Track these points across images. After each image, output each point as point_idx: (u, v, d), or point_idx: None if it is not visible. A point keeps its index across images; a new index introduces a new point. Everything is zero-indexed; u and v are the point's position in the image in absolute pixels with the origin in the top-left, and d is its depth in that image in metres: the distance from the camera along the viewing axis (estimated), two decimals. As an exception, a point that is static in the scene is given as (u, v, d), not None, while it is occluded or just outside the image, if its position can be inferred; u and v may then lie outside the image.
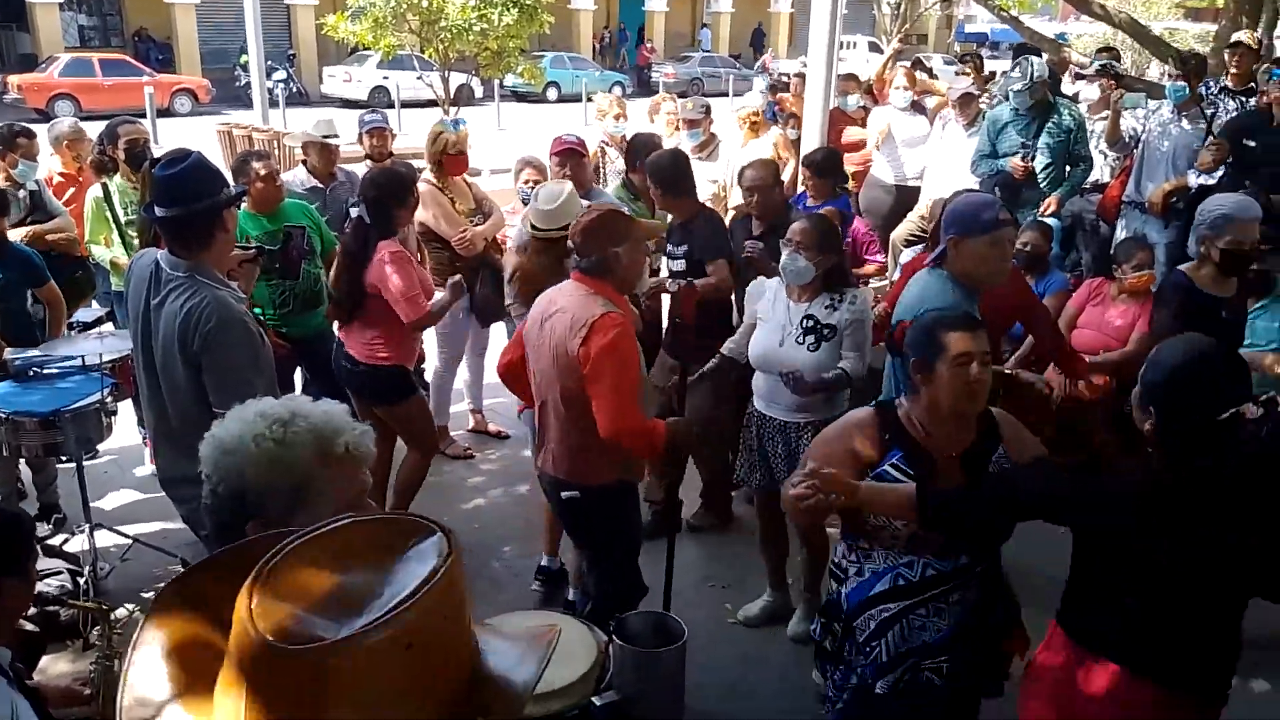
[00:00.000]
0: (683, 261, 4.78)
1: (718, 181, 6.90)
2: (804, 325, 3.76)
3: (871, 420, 2.63)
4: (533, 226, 4.25)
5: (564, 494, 3.36)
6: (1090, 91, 7.27)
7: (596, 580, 3.50)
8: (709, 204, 6.50)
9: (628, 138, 7.54)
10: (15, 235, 5.16)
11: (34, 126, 6.33)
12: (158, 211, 2.98)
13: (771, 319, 3.96)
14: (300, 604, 0.98)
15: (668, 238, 4.94)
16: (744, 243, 4.84)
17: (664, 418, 3.46)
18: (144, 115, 16.65)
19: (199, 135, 14.25)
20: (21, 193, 5.62)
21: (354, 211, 4.78)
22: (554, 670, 2.04)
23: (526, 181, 5.51)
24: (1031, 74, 6.30)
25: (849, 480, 2.42)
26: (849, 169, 8.16)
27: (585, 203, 4.38)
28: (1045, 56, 7.96)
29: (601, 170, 7.56)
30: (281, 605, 0.98)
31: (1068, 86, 7.65)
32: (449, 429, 6.04)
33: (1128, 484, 2.26)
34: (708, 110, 7.29)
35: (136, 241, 4.92)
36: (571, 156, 5.24)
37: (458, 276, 4.82)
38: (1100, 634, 2.27)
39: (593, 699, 1.96)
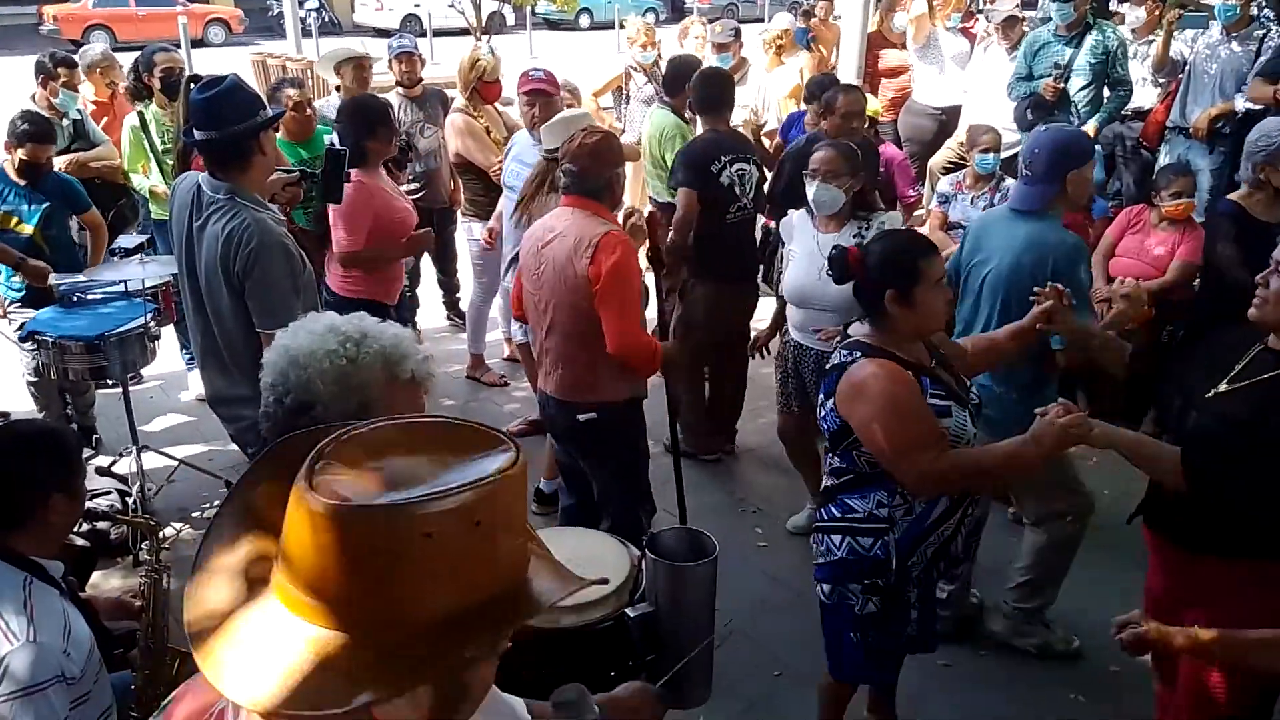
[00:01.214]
0: (745, 167, 4.74)
1: (748, 106, 6.81)
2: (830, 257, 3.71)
3: (897, 367, 2.55)
4: (545, 149, 4.21)
5: (580, 416, 3.39)
6: (1136, 13, 7.07)
7: (617, 498, 3.56)
8: (741, 130, 6.46)
9: (658, 64, 7.49)
10: (58, 163, 5.21)
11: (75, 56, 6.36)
12: (196, 135, 3.02)
13: (801, 252, 3.95)
14: (360, 479, 1.01)
15: (728, 149, 4.79)
16: None
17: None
18: (178, 45, 16.64)
19: (233, 65, 14.21)
20: (65, 122, 5.67)
21: (327, 140, 4.72)
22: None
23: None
24: None
25: (1102, 429, 2.44)
26: (887, 95, 8.03)
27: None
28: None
29: (626, 95, 7.52)
30: (340, 479, 1.00)
31: (1128, 12, 7.43)
32: (484, 357, 6.10)
33: None
34: (737, 34, 7.19)
35: (174, 169, 4.98)
36: (540, 96, 4.89)
37: (423, 230, 4.67)
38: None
39: (626, 610, 2.01)
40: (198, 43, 20.94)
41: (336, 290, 4.52)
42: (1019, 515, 4.02)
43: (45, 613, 2.21)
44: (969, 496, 2.67)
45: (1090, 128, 6.26)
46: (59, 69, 5.70)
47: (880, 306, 2.57)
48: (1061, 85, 6.20)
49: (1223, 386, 2.37)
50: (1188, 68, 6.45)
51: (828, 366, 2.73)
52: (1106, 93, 6.36)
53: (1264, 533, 2.27)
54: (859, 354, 2.59)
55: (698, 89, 4.96)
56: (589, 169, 3.31)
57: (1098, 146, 6.33)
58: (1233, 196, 4.13)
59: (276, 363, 1.64)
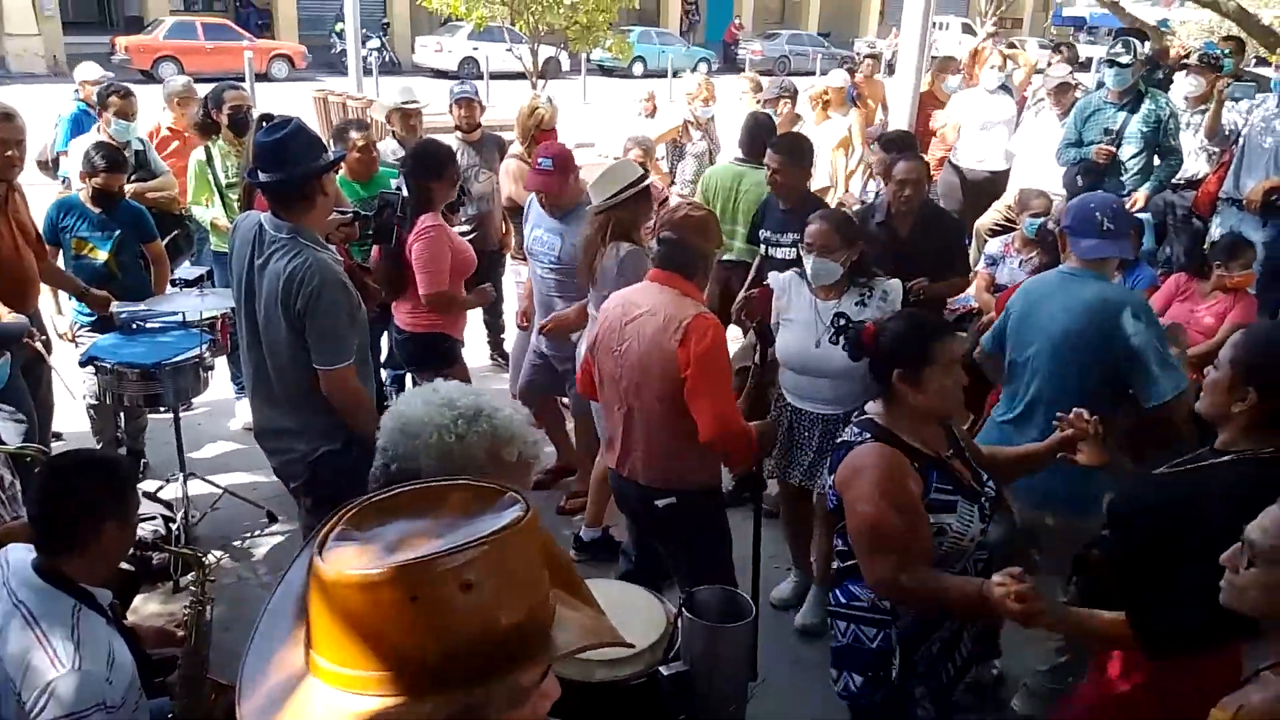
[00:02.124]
0: (791, 250, 4.64)
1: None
2: (836, 324, 3.56)
3: (899, 458, 2.48)
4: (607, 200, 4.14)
5: (659, 502, 3.25)
6: (1187, 84, 7.06)
7: (695, 581, 3.43)
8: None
9: (714, 120, 7.61)
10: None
11: (142, 86, 6.56)
12: (260, 176, 3.11)
13: (799, 318, 3.84)
14: (363, 548, 1.06)
15: (770, 226, 4.83)
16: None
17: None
18: (242, 79, 17.10)
19: (295, 100, 14.57)
20: (126, 152, 5.85)
21: (394, 183, 4.87)
22: (624, 634, 2.12)
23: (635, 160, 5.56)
24: (1135, 50, 6.16)
25: (1060, 605, 2.35)
26: (936, 154, 8.07)
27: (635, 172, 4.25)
28: (1149, 44, 7.76)
29: (680, 149, 7.62)
30: (345, 549, 1.06)
31: (1180, 81, 7.43)
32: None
33: (1241, 476, 2.17)
34: (791, 92, 7.24)
35: (237, 203, 5.13)
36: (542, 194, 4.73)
37: (487, 285, 4.87)
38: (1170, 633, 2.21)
39: (660, 667, 2.02)
40: (262, 76, 21.48)
41: (406, 327, 4.64)
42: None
43: (91, 640, 2.26)
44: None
45: (1141, 195, 6.25)
46: (110, 99, 5.81)
47: (890, 386, 2.53)
48: (1114, 150, 6.20)
49: (1164, 469, 2.38)
50: (1242, 139, 6.43)
51: (838, 442, 2.67)
52: (1156, 161, 6.34)
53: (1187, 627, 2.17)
54: (868, 435, 2.53)
55: (783, 147, 4.89)
56: (688, 242, 3.25)
57: (1148, 214, 6.31)
58: None
59: (390, 428, 1.68)
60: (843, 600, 2.63)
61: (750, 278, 4.62)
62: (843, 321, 3.53)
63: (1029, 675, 3.70)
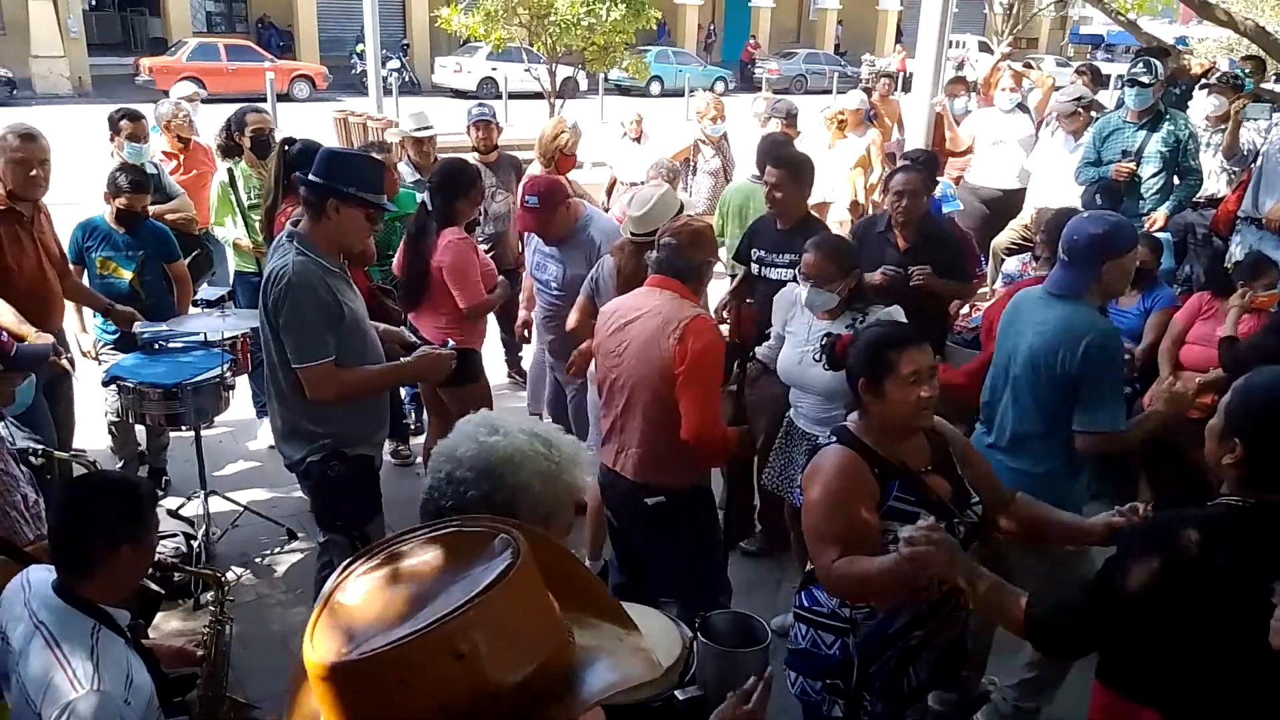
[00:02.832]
0: (788, 270, 4.58)
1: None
2: (822, 343, 3.54)
3: (855, 460, 2.50)
4: (631, 232, 4.24)
5: (649, 500, 3.33)
6: (1208, 104, 7.04)
7: (689, 585, 3.50)
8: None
9: (726, 137, 7.65)
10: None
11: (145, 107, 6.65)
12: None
13: (796, 334, 3.89)
14: (355, 621, 1.05)
15: (765, 245, 4.78)
16: (885, 268, 4.64)
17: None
18: (264, 99, 17.27)
19: (316, 121, 14.73)
20: None
21: (419, 197, 4.94)
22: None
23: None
24: (1157, 71, 6.17)
25: (966, 558, 2.30)
26: (952, 174, 8.08)
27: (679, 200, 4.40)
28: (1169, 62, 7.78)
29: (693, 167, 7.67)
30: (338, 624, 1.05)
31: (1200, 100, 7.42)
32: (543, 417, 6.17)
33: (1207, 519, 2.09)
34: (784, 114, 7.23)
35: (262, 226, 5.19)
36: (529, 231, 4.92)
37: (503, 279, 4.95)
38: (1146, 685, 2.14)
39: (675, 692, 2.02)
40: (283, 97, 21.73)
41: (434, 340, 4.65)
42: None
43: (110, 662, 2.26)
44: (936, 614, 2.56)
45: (1160, 216, 6.24)
46: (121, 123, 5.89)
47: (858, 395, 2.56)
48: (1133, 168, 6.19)
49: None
50: (1260, 158, 6.41)
51: (815, 445, 2.72)
52: (1175, 181, 6.33)
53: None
54: (835, 439, 2.59)
55: (786, 161, 4.82)
56: (686, 248, 3.31)
57: (1168, 234, 6.29)
58: None
59: (478, 459, 1.62)
60: (805, 604, 2.66)
61: (730, 290, 4.64)
62: (826, 339, 3.56)
63: (998, 691, 3.67)
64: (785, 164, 4.63)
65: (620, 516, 3.65)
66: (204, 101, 7.66)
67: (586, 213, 4.91)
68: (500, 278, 4.90)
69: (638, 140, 8.51)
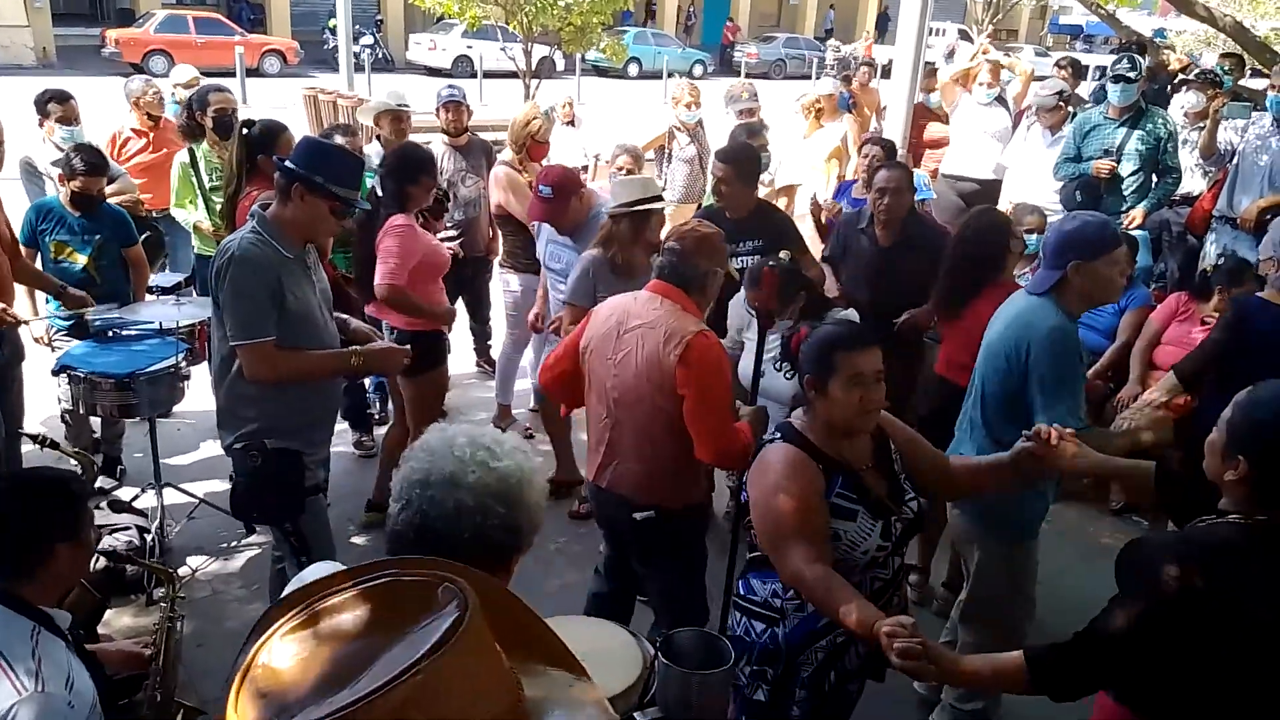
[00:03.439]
0: (755, 257, 4.60)
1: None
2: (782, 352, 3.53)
3: (802, 456, 2.48)
4: (610, 210, 4.22)
5: (637, 515, 3.20)
6: (1186, 100, 7.01)
7: (667, 602, 3.43)
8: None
9: (701, 124, 7.55)
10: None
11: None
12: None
13: (751, 342, 3.80)
14: (285, 688, 0.96)
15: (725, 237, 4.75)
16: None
17: None
18: (234, 74, 16.98)
19: (286, 97, 14.49)
20: None
21: (369, 182, 4.82)
22: (598, 681, 2.04)
23: (620, 168, 5.49)
24: (1140, 67, 6.13)
25: (946, 654, 2.23)
26: (930, 166, 8.03)
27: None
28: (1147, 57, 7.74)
29: (668, 155, 7.56)
30: (265, 692, 0.96)
31: (1179, 96, 7.39)
32: (511, 408, 6.08)
33: (1215, 545, 2.03)
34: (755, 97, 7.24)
35: (224, 210, 5.04)
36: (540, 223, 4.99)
37: (451, 308, 4.91)
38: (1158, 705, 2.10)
39: (635, 714, 1.95)
40: (253, 72, 21.41)
41: (402, 326, 4.58)
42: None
43: (51, 663, 2.21)
44: (881, 596, 2.57)
45: (1138, 214, 6.21)
46: (49, 105, 5.68)
47: (805, 391, 2.54)
48: (1114, 166, 6.15)
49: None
50: (1236, 157, 6.39)
51: (760, 442, 2.68)
52: (1155, 179, 6.29)
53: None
54: (779, 436, 2.56)
55: (732, 159, 4.82)
56: (692, 256, 3.19)
57: (1144, 232, 6.26)
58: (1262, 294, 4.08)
59: (495, 489, 1.57)
60: (742, 591, 2.67)
61: None
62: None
63: (948, 693, 3.63)
64: (727, 160, 4.66)
65: (610, 527, 3.55)
66: (169, 75, 7.43)
67: (599, 201, 4.86)
68: (451, 307, 4.87)
69: (571, 124, 8.41)
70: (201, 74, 7.24)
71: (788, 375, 2.83)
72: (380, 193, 4.55)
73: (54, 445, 3.22)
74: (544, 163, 5.82)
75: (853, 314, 3.81)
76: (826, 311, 3.77)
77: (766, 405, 3.70)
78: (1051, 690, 2.10)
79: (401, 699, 0.90)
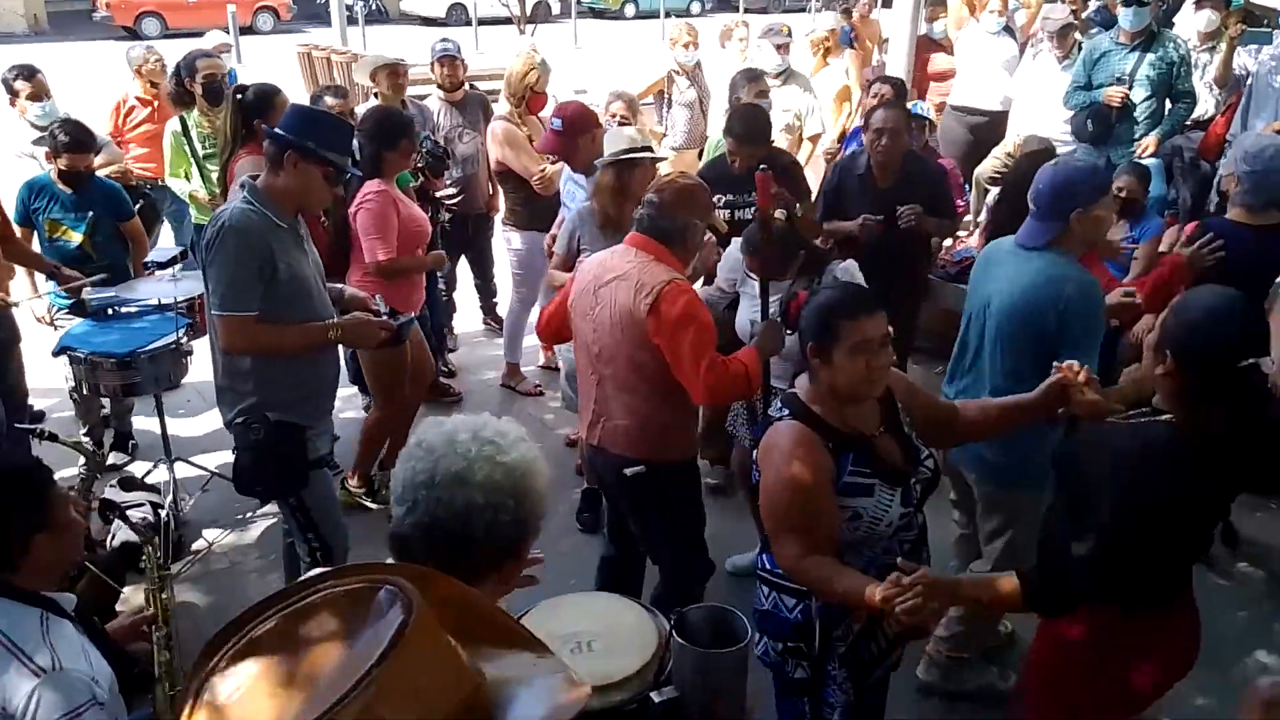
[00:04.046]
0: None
1: (792, 110, 6.64)
2: (780, 307, 3.52)
3: (810, 439, 2.40)
4: (614, 156, 4.13)
5: (628, 471, 3.18)
6: (1199, 19, 6.81)
7: (669, 559, 3.42)
8: (783, 134, 6.32)
9: (700, 66, 7.36)
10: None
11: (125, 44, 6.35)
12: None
13: (747, 295, 3.75)
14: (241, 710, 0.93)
15: (729, 190, 4.60)
16: (864, 219, 4.58)
17: None
18: (226, 30, 16.76)
19: (280, 54, 14.28)
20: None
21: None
22: (613, 660, 2.02)
23: (614, 115, 5.36)
24: None
25: (944, 583, 2.28)
26: (934, 100, 7.85)
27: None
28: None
29: (668, 99, 7.39)
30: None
31: (1190, 16, 7.17)
32: (520, 366, 6.05)
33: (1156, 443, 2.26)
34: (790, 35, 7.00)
35: (216, 175, 4.97)
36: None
37: (440, 252, 4.82)
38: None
39: (651, 694, 1.92)
40: (246, 29, 21.10)
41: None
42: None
43: (65, 644, 2.22)
44: (913, 555, 2.51)
45: (1151, 141, 6.06)
46: (17, 83, 5.55)
47: (807, 359, 2.46)
48: (1126, 94, 6.00)
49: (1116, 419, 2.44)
50: (1251, 79, 6.21)
51: (762, 418, 2.60)
52: (1168, 105, 6.13)
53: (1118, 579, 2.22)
54: (787, 412, 2.47)
55: (739, 123, 4.72)
56: (670, 207, 3.13)
57: (1157, 159, 6.13)
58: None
59: (502, 483, 1.54)
60: (768, 565, 2.59)
61: None
62: (781, 302, 3.48)
63: (932, 644, 3.63)
64: (733, 134, 4.52)
65: (604, 486, 3.56)
66: (165, 36, 7.31)
67: None
68: (439, 251, 4.75)
69: (625, 123, 8.20)
70: (195, 34, 7.11)
71: (787, 333, 2.74)
72: (357, 156, 4.45)
73: (52, 437, 3.17)
74: (542, 114, 5.72)
75: (852, 266, 3.71)
76: (825, 266, 3.69)
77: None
78: (1044, 609, 2.29)
79: (356, 713, 0.89)
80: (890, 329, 2.42)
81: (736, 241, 3.96)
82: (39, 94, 5.51)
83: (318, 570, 1.47)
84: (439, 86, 6.05)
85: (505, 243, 5.78)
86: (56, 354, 4.31)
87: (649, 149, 4.21)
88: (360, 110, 5.70)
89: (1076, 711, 2.48)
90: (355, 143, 4.49)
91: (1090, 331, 3.05)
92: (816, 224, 4.70)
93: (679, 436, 3.28)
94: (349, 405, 5.60)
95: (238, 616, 1.06)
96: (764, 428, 2.51)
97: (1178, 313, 2.25)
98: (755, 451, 2.54)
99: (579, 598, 2.39)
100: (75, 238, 4.73)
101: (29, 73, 5.57)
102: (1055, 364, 2.64)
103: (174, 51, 6.46)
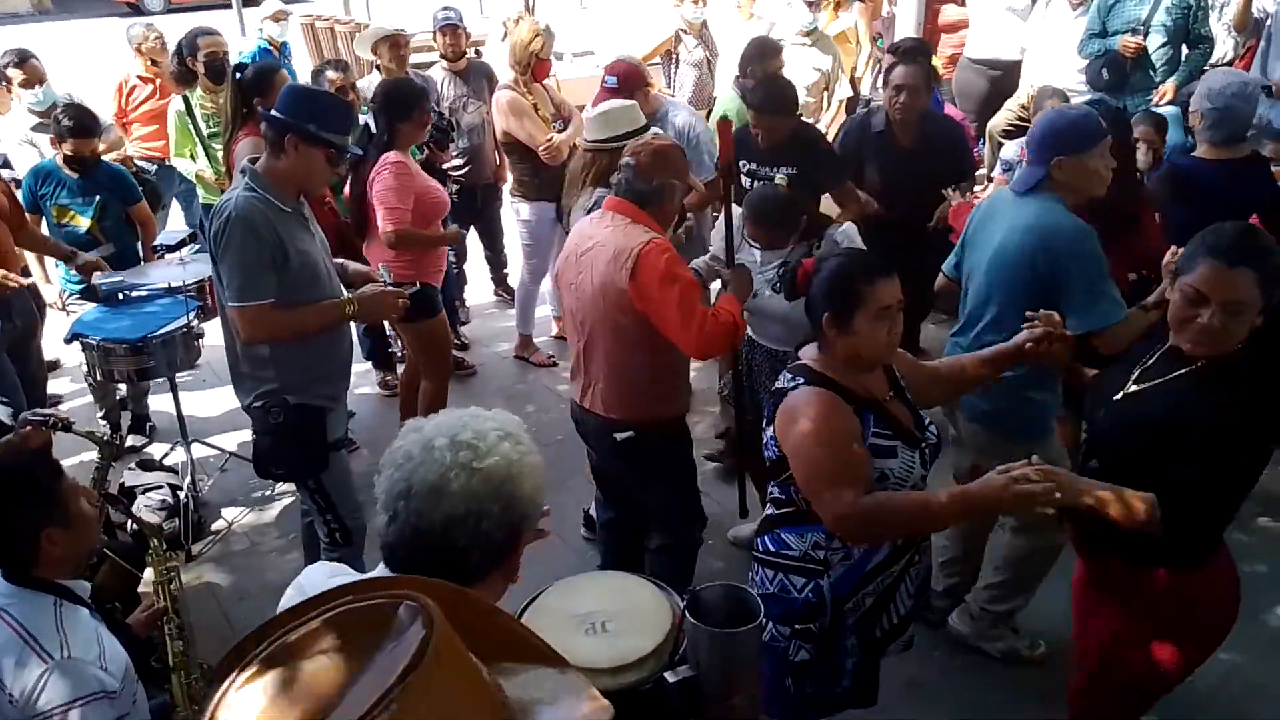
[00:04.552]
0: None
1: (822, 70, 6.54)
2: (780, 273, 3.53)
3: (834, 399, 2.37)
4: (586, 137, 4.05)
5: (618, 435, 3.23)
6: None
7: (664, 517, 3.46)
8: (807, 93, 6.22)
9: (707, 25, 7.25)
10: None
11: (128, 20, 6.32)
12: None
13: (750, 264, 3.68)
14: None
15: (755, 158, 4.50)
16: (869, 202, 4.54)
17: None
18: (229, 4, 16.65)
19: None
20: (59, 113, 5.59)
21: (362, 118, 4.72)
22: (627, 640, 2.01)
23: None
24: None
25: (1075, 477, 2.28)
26: (946, 52, 7.72)
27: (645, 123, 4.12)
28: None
29: (675, 59, 7.28)
30: None
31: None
32: (533, 337, 6.03)
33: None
34: None
35: (221, 154, 4.95)
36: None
37: (455, 226, 4.79)
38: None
39: (666, 674, 1.92)
40: (250, 1, 20.94)
41: (402, 276, 4.47)
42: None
43: (77, 632, 2.25)
44: (912, 545, 2.52)
45: (1168, 88, 5.94)
46: (8, 71, 5.51)
47: (822, 329, 2.41)
48: (1143, 42, 5.87)
49: (1131, 388, 2.39)
50: (1269, 23, 6.08)
51: (773, 390, 2.55)
52: (1185, 50, 6.00)
53: (1169, 538, 2.23)
54: (801, 380, 2.43)
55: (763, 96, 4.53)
56: (646, 168, 3.12)
57: (1174, 108, 6.00)
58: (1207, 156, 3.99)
59: (491, 489, 1.47)
60: (772, 548, 2.56)
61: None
62: (784, 269, 3.47)
63: (972, 594, 3.65)
64: (760, 107, 4.36)
65: (595, 451, 3.58)
66: (169, 10, 7.27)
67: (665, 103, 5.05)
68: (454, 227, 4.71)
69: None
70: (200, 8, 7.08)
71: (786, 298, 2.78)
72: (373, 130, 4.43)
73: (66, 428, 3.18)
74: (546, 82, 5.66)
75: (851, 229, 3.67)
76: (824, 230, 3.65)
77: (764, 324, 3.68)
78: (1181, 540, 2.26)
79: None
80: (902, 295, 2.40)
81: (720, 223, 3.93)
82: (33, 80, 5.47)
83: (340, 580, 1.46)
84: (442, 56, 5.98)
85: (514, 214, 5.74)
86: (69, 341, 4.32)
87: (647, 127, 4.06)
88: (362, 85, 5.67)
89: (1139, 678, 2.50)
90: (369, 116, 4.50)
91: (1091, 279, 2.99)
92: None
93: (668, 395, 3.31)
94: (363, 381, 5.62)
95: (257, 630, 1.04)
96: (774, 402, 2.47)
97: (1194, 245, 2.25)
98: (766, 426, 2.51)
99: (592, 577, 2.38)
100: (83, 223, 4.73)
101: (20, 58, 5.52)
102: (1028, 313, 2.63)
103: (172, 31, 6.44)
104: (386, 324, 5.67)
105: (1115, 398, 2.42)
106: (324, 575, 1.61)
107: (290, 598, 1.56)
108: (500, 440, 1.50)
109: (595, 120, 4.04)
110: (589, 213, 3.49)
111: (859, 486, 2.30)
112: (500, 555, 1.49)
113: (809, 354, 2.50)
